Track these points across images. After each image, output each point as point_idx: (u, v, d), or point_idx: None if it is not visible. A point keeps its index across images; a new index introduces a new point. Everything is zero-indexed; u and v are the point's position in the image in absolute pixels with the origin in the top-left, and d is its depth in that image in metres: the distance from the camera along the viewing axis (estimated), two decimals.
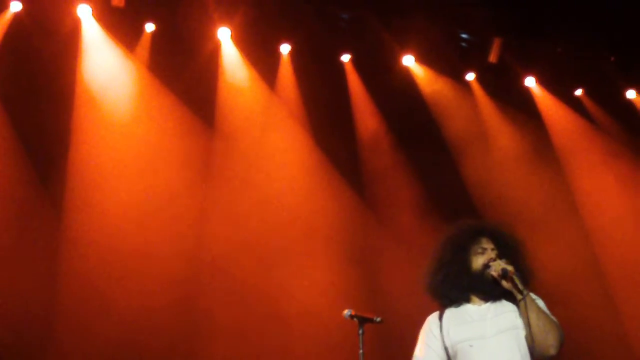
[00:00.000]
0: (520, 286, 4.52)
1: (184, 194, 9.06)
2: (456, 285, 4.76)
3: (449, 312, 4.79)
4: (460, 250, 4.79)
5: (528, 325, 4.48)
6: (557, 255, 9.92)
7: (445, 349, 4.70)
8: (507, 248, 4.79)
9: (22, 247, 8.44)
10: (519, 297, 4.54)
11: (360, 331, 5.29)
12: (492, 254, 4.74)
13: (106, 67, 9.01)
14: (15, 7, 8.58)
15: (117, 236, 8.63)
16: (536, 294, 4.70)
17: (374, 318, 5.31)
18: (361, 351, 5.28)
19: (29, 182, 8.69)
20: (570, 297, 9.53)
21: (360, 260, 9.63)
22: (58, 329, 8.41)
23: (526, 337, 4.55)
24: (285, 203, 9.46)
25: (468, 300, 4.76)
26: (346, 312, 5.28)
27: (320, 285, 9.19)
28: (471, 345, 4.61)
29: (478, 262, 4.74)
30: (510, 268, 4.55)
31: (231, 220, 9.21)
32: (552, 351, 4.50)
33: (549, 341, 4.48)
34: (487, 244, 4.79)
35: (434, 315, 4.85)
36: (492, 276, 4.64)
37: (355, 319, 5.28)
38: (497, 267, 4.61)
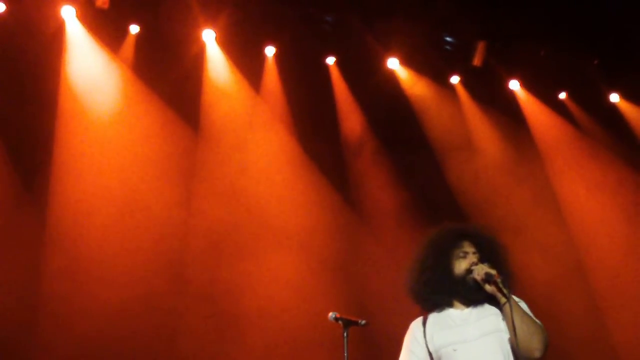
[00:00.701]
0: (504, 290, 4.50)
1: (167, 195, 9.04)
2: (438, 290, 4.73)
3: (432, 318, 4.78)
4: (441, 254, 4.76)
5: (513, 328, 4.44)
6: (541, 259, 9.97)
7: (430, 354, 4.69)
8: (489, 251, 4.76)
9: (6, 246, 8.40)
10: (503, 300, 4.51)
11: (345, 334, 5.28)
12: (474, 258, 4.71)
13: (90, 68, 8.98)
14: None
15: (101, 236, 8.62)
16: (518, 297, 4.70)
17: (359, 321, 5.30)
18: (346, 354, 5.27)
19: (12, 183, 8.64)
20: (554, 302, 9.57)
21: (343, 263, 9.63)
22: (41, 326, 8.37)
23: (510, 341, 4.55)
24: (269, 205, 9.46)
25: (451, 305, 4.74)
26: (331, 314, 5.27)
27: (303, 287, 9.19)
28: (455, 350, 4.60)
29: (460, 266, 4.71)
30: (493, 272, 4.52)
31: (214, 221, 9.19)
32: (537, 354, 4.48)
33: (534, 344, 4.46)
34: (468, 248, 4.76)
35: (418, 321, 4.84)
36: (475, 280, 4.62)
37: (339, 322, 5.27)
38: (480, 271, 4.59)
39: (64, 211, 8.65)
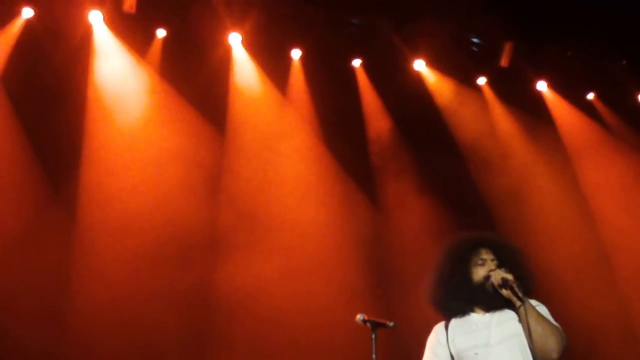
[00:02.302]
0: (519, 293, 4.58)
1: (195, 198, 9.08)
2: (459, 298, 4.83)
3: (455, 322, 4.87)
4: (460, 262, 4.85)
5: (528, 330, 4.53)
6: (569, 259, 9.92)
7: (452, 357, 4.78)
8: (507, 258, 4.84)
9: (35, 248, 8.46)
10: (518, 304, 4.60)
11: (373, 336, 5.26)
12: (492, 265, 4.80)
13: (118, 72, 9.04)
14: (27, 13, 8.62)
15: (129, 237, 8.66)
16: (539, 301, 4.74)
17: (387, 323, 5.29)
18: (374, 356, 5.26)
19: (42, 187, 8.72)
20: (583, 304, 9.53)
21: (371, 266, 9.62)
22: (70, 327, 8.44)
23: (528, 343, 4.59)
24: (295, 207, 9.47)
25: (472, 311, 4.84)
26: (359, 316, 5.26)
27: (333, 290, 9.19)
28: (476, 353, 4.68)
29: (479, 273, 4.80)
30: (509, 277, 4.61)
31: (241, 220, 9.21)
32: (554, 355, 4.56)
33: (550, 345, 4.54)
34: (486, 255, 4.85)
35: (440, 324, 4.94)
36: (493, 286, 4.70)
37: (368, 324, 5.26)
38: (497, 276, 4.68)
39: (93, 213, 8.72)
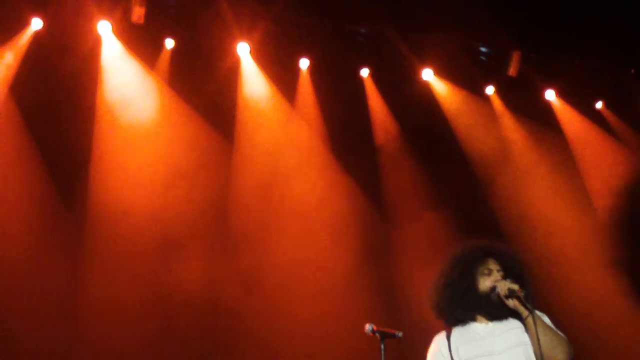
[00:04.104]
0: (526, 304, 4.60)
1: (204, 209, 9.10)
2: (462, 306, 4.85)
3: (457, 331, 4.88)
4: (466, 271, 4.87)
5: (537, 341, 4.54)
6: (578, 268, 9.89)
7: None
8: (513, 269, 4.86)
9: (45, 257, 8.50)
10: (525, 314, 4.61)
11: (382, 346, 5.27)
12: (498, 275, 4.82)
13: (126, 83, 9.06)
14: (36, 24, 8.65)
15: (138, 246, 8.68)
16: (542, 311, 4.75)
17: (396, 333, 5.29)
18: None
19: (52, 198, 8.75)
20: (594, 313, 9.50)
21: (381, 276, 9.62)
22: (80, 333, 8.48)
23: (535, 353, 4.59)
24: (304, 217, 9.47)
25: (474, 319, 4.85)
26: (368, 326, 5.26)
27: (341, 300, 9.18)
28: None
29: (485, 283, 4.82)
30: (516, 287, 4.63)
31: (252, 233, 9.23)
32: None
33: (558, 356, 4.55)
34: (493, 265, 4.87)
35: (441, 335, 4.95)
36: (499, 297, 4.71)
37: (377, 334, 5.26)
38: (503, 287, 4.69)
39: (102, 223, 8.74)
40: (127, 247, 8.70)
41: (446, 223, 9.82)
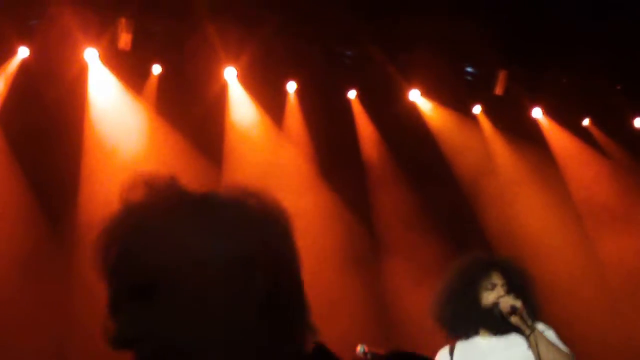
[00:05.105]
0: (528, 322, 4.57)
1: None
2: (466, 319, 4.80)
3: (460, 346, 4.83)
4: (470, 284, 4.81)
5: (539, 359, 4.48)
6: (566, 286, 9.89)
7: None
8: (517, 283, 4.81)
9: (34, 287, 8.44)
10: (527, 332, 4.57)
11: None
12: (502, 290, 4.76)
13: (114, 109, 9.06)
14: (23, 52, 8.66)
15: None
16: (548, 324, 4.71)
17: (387, 355, 5.28)
18: None
19: (41, 225, 8.71)
20: (580, 329, 9.49)
21: (372, 296, 9.60)
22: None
23: None
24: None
25: (477, 334, 4.79)
26: (359, 348, 5.26)
27: (332, 321, 9.15)
28: None
29: (488, 298, 4.76)
30: (518, 304, 4.60)
31: None
32: None
33: None
34: (497, 279, 4.81)
35: (444, 350, 4.90)
36: (501, 312, 4.65)
37: (368, 355, 5.25)
38: (506, 303, 4.65)
39: (91, 251, 8.68)
40: None
41: (434, 241, 9.82)
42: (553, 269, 9.76)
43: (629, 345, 9.78)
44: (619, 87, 10.50)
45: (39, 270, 8.54)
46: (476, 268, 4.86)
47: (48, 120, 8.70)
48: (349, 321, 9.15)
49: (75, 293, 8.59)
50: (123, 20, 8.65)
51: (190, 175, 8.53)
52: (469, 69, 10.19)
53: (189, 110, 9.28)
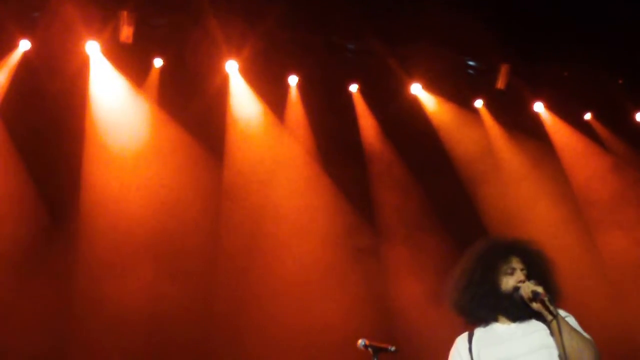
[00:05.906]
0: (551, 308, 4.44)
1: (195, 227, 9.08)
2: (484, 305, 4.65)
3: (478, 333, 4.70)
4: (489, 269, 4.68)
5: (562, 345, 4.38)
6: (568, 279, 9.88)
7: None
8: (537, 268, 4.69)
9: (36, 281, 8.46)
10: (550, 318, 4.46)
11: None
12: (522, 275, 4.62)
13: (115, 102, 9.06)
14: (25, 46, 8.66)
15: (130, 268, 8.65)
16: (567, 311, 4.65)
17: (389, 347, 5.27)
18: None
19: (42, 218, 8.72)
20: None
21: (369, 289, 9.61)
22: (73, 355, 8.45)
23: (559, 357, 4.48)
24: (296, 232, 9.46)
25: (496, 320, 4.66)
26: (360, 341, 5.24)
27: (335, 315, 9.17)
28: None
29: (508, 283, 4.63)
30: (540, 290, 4.46)
31: (240, 248, 9.22)
32: None
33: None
34: (516, 264, 4.67)
35: (463, 337, 4.77)
36: (522, 298, 4.55)
37: (369, 349, 5.24)
38: (527, 289, 4.52)
39: (93, 244, 8.71)
40: (119, 266, 8.66)
41: (436, 234, 9.83)
42: (554, 262, 9.74)
43: (629, 338, 9.79)
44: (620, 82, 10.49)
45: (40, 263, 8.57)
46: (495, 252, 4.73)
47: (49, 113, 8.71)
48: (349, 313, 9.16)
49: (77, 288, 8.61)
50: (125, 13, 8.65)
51: (191, 167, 8.58)
52: (471, 63, 10.18)
53: (190, 103, 9.28)
